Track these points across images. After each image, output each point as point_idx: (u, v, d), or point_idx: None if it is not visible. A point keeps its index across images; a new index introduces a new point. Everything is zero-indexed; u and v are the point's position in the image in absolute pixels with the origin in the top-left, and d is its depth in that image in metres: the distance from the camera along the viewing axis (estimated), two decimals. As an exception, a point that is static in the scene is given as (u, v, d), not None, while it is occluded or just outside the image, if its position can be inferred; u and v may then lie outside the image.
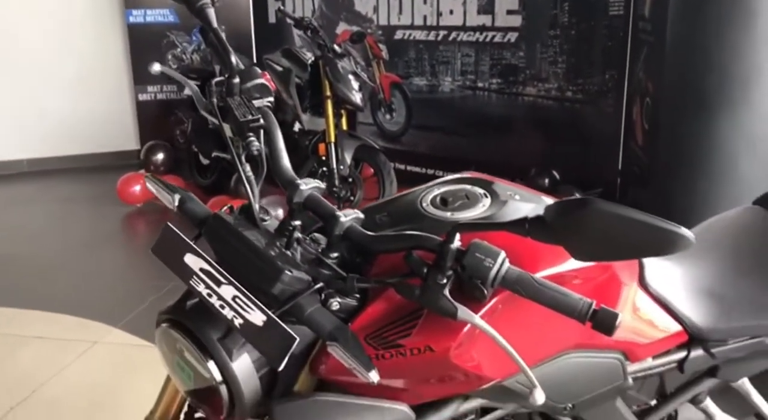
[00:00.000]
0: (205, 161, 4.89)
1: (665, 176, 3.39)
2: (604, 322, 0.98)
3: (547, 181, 4.41)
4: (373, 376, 1.01)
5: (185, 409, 1.43)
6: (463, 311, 1.02)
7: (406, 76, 5.18)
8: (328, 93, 4.08)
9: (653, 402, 1.44)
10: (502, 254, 1.02)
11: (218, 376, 1.11)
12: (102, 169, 5.83)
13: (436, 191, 1.27)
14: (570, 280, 1.18)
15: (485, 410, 1.31)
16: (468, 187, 1.28)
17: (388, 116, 5.33)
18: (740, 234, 1.49)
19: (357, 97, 4.11)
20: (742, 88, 3.08)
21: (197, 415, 1.45)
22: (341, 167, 4.02)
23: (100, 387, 2.72)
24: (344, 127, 4.23)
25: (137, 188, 4.83)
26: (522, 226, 0.97)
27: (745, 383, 1.40)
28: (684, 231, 0.87)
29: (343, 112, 4.21)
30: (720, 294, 1.34)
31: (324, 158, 4.08)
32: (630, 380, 1.30)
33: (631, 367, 1.30)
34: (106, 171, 5.61)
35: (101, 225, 4.73)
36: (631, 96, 4.14)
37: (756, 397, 1.41)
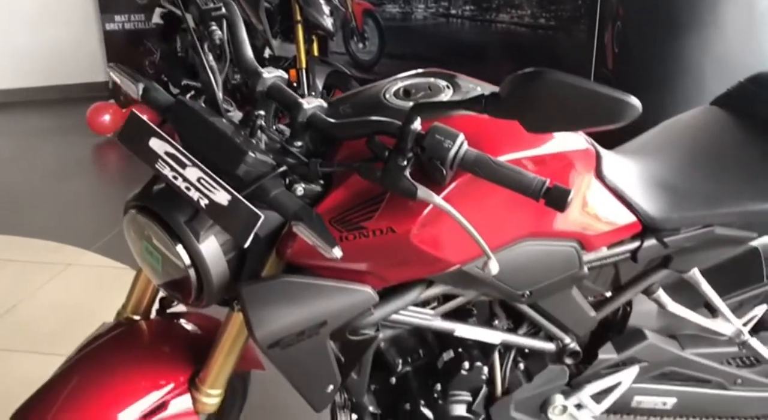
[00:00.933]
0: (175, 90, 4.82)
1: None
2: (556, 199, 1.02)
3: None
4: (337, 252, 1.04)
5: (157, 303, 1.48)
6: (422, 191, 1.06)
7: (379, 4, 5.10)
8: (299, 17, 4.02)
9: (608, 293, 1.51)
10: (461, 136, 1.06)
11: (186, 260, 1.14)
12: (71, 101, 5.72)
13: (400, 84, 1.29)
14: (527, 166, 1.22)
15: (447, 298, 1.37)
16: (431, 79, 1.30)
17: (360, 45, 5.27)
18: (697, 132, 1.53)
19: (328, 22, 4.05)
20: (711, 10, 3.10)
21: (170, 310, 1.50)
22: (312, 93, 3.99)
23: (75, 306, 2.76)
24: (315, 53, 4.19)
25: (107, 118, 4.78)
26: (478, 103, 0.99)
27: (695, 274, 1.47)
28: (633, 100, 0.91)
29: (314, 37, 4.16)
30: (674, 186, 1.39)
31: (295, 84, 4.05)
32: (585, 269, 1.35)
33: (587, 257, 1.35)
34: (75, 103, 5.51)
35: (72, 155, 4.68)
36: (603, 21, 4.13)
37: (705, 286, 1.48)
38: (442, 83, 1.29)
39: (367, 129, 1.11)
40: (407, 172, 1.07)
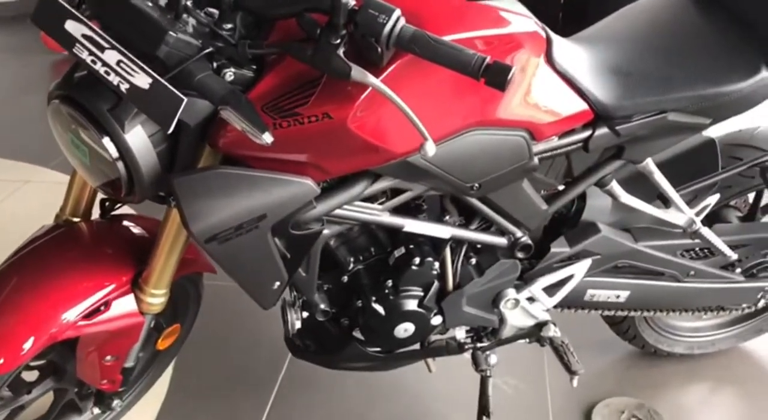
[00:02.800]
0: None
1: (600, 3, 3.34)
2: (497, 77, 0.97)
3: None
4: (267, 138, 1.00)
5: (98, 206, 1.43)
6: (357, 70, 1.00)
7: None
8: None
9: (561, 186, 1.48)
10: (397, 11, 0.99)
11: (113, 151, 1.09)
12: (24, 18, 5.47)
13: None
14: (476, 47, 1.16)
15: (396, 192, 1.34)
16: None
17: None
18: (654, 16, 1.47)
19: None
20: None
21: (114, 213, 1.46)
22: None
23: (34, 221, 2.69)
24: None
25: (62, 33, 4.57)
26: None
27: (649, 164, 1.44)
28: None
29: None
30: (627, 71, 1.34)
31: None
32: (536, 160, 1.32)
33: (537, 147, 1.32)
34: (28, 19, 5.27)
35: (28, 72, 4.50)
36: None
37: (659, 176, 1.45)
38: None
39: (298, 6, 1.04)
40: (341, 52, 1.01)
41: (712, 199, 1.50)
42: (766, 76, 1.33)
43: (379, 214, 1.33)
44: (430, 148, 1.01)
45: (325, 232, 1.30)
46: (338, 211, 1.27)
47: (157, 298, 1.31)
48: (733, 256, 1.58)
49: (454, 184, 1.29)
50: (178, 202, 1.12)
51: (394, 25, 0.99)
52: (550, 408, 1.83)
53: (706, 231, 1.52)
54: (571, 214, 1.57)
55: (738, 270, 1.71)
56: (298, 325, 1.44)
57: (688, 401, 1.86)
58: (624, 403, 1.82)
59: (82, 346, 1.39)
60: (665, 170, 1.53)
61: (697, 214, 1.50)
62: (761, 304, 1.74)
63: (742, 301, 1.72)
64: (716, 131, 1.67)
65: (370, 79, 1.01)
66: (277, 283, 1.28)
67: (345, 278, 1.45)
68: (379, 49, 1.01)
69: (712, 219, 1.72)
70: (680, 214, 1.50)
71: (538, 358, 1.97)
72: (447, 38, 1.09)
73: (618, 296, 1.62)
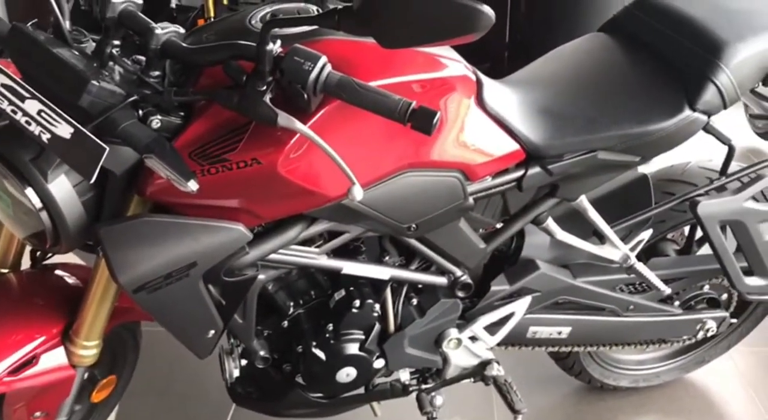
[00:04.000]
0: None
1: (545, 42, 3.42)
2: (423, 121, 0.99)
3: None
4: (192, 186, 0.99)
5: (28, 255, 1.40)
6: (283, 117, 1.00)
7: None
8: (205, -36, 3.85)
9: (499, 225, 1.49)
10: (323, 58, 1.00)
11: (37, 202, 1.07)
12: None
13: (267, 9, 1.22)
14: (405, 92, 1.17)
15: (333, 235, 1.33)
16: (302, 4, 1.24)
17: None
18: (582, 58, 1.51)
19: (236, -31, 3.89)
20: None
21: (45, 262, 1.42)
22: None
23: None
24: (224, 1, 4.02)
25: None
26: (332, 18, 0.94)
27: (583, 201, 1.47)
28: (485, 8, 0.87)
29: (222, -15, 3.99)
30: (556, 112, 1.37)
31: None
32: (471, 200, 1.33)
33: (471, 187, 1.33)
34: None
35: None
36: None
37: (592, 213, 1.48)
38: (313, 7, 1.22)
39: (224, 53, 1.05)
40: (267, 98, 1.01)
41: (646, 234, 1.53)
42: (689, 115, 1.37)
43: (316, 258, 1.32)
44: (357, 193, 1.01)
45: (261, 277, 1.28)
46: (273, 256, 1.26)
47: (88, 350, 1.27)
48: (667, 290, 1.60)
49: (391, 226, 1.29)
50: (104, 251, 1.09)
51: (320, 72, 1.00)
52: (499, 447, 1.82)
53: (640, 266, 1.54)
54: (511, 252, 1.58)
55: (676, 303, 1.73)
56: (236, 373, 1.41)
57: (635, 435, 1.87)
58: (572, 439, 1.82)
59: (8, 402, 1.33)
60: (601, 206, 1.56)
61: (632, 249, 1.53)
62: (700, 335, 1.77)
63: (681, 333, 1.75)
64: (649, 167, 1.72)
65: (297, 125, 1.01)
66: (212, 332, 1.26)
67: (285, 323, 1.43)
68: (306, 96, 1.01)
69: (650, 253, 1.76)
70: (615, 250, 1.52)
71: (488, 396, 1.96)
72: (377, 83, 1.12)
73: (560, 332, 1.63)
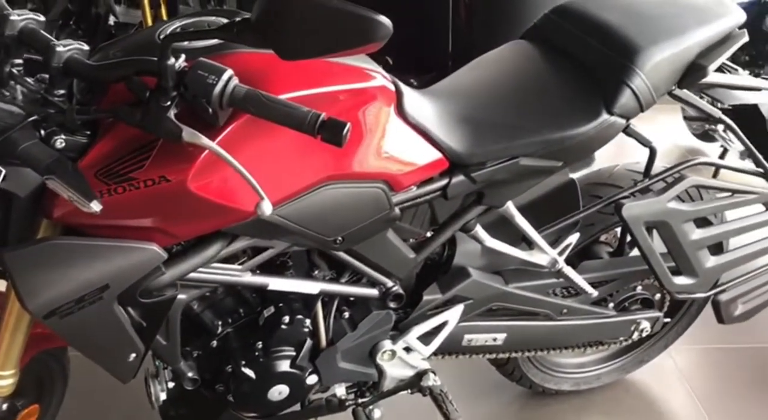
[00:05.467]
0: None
1: (488, 49, 3.46)
2: (332, 133, 0.97)
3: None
4: (95, 206, 0.96)
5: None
6: (188, 132, 0.98)
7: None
8: (141, -20, 3.79)
9: (429, 234, 1.49)
10: (228, 72, 0.99)
11: None
12: None
13: (177, 23, 1.20)
14: (318, 105, 1.16)
15: (258, 251, 1.31)
16: (212, 18, 1.22)
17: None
18: (503, 66, 1.53)
19: (174, -16, 3.85)
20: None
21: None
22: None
23: None
24: (164, 17, 3.97)
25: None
26: (231, 30, 0.92)
27: (510, 207, 1.47)
28: (382, 19, 0.87)
29: (161, 0, 3.94)
30: (477, 120, 1.37)
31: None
32: (397, 210, 1.33)
33: (396, 197, 1.32)
34: None
35: None
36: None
37: (519, 219, 1.49)
38: (223, 21, 1.21)
39: (126, 69, 1.02)
40: (171, 113, 0.99)
41: (573, 238, 1.54)
42: (607, 119, 1.39)
43: (240, 275, 1.30)
44: (267, 208, 0.99)
45: (182, 297, 1.25)
46: (194, 275, 1.23)
47: (4, 379, 1.23)
48: (594, 293, 1.62)
49: (316, 239, 1.27)
50: (11, 277, 1.05)
51: (225, 86, 0.98)
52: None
53: (568, 270, 1.55)
54: (443, 260, 1.58)
55: (610, 304, 1.75)
56: (162, 397, 1.38)
57: (577, 438, 1.88)
58: (514, 446, 1.82)
59: None
60: (530, 211, 1.57)
61: (560, 253, 1.54)
62: (635, 336, 1.79)
63: (616, 334, 1.77)
64: (577, 171, 1.74)
65: (203, 140, 0.99)
66: (133, 355, 1.22)
67: (214, 343, 1.40)
68: (211, 110, 0.99)
69: (583, 255, 1.77)
70: (543, 255, 1.53)
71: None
72: (289, 96, 1.10)
73: (495, 339, 1.63)
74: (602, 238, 1.82)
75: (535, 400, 2.00)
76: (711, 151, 3.57)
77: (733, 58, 1.61)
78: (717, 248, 1.70)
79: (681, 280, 1.61)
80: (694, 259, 1.59)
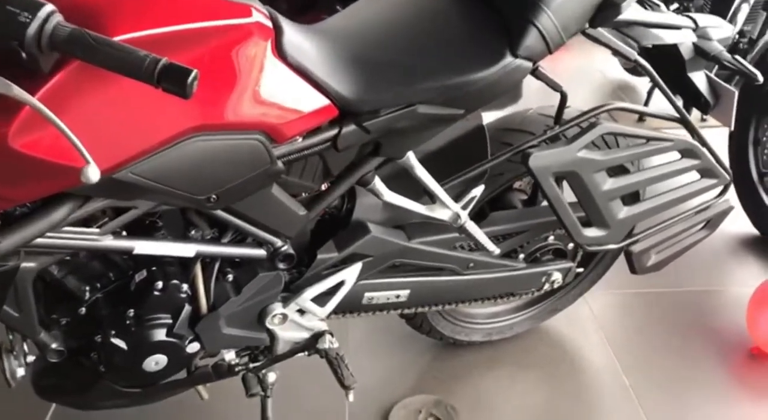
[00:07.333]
0: None
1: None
2: (176, 81, 0.83)
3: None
4: None
5: None
6: None
7: None
8: None
9: (324, 187, 1.36)
10: (47, 7, 0.82)
11: None
12: None
13: None
14: (176, 46, 1.00)
15: (120, 211, 1.16)
16: None
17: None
18: (400, 3, 1.37)
19: None
20: None
21: None
22: None
23: None
24: None
25: None
26: None
27: (409, 158, 1.35)
28: None
29: None
30: (370, 62, 1.23)
31: None
32: (280, 164, 1.19)
33: (279, 150, 1.18)
34: None
35: None
36: None
37: (420, 171, 1.36)
38: None
39: None
40: None
41: (477, 191, 1.43)
42: (511, 62, 1.26)
43: (99, 239, 1.15)
44: (92, 174, 0.84)
45: (29, 265, 1.10)
46: (41, 241, 1.08)
47: None
48: (496, 250, 1.53)
49: (184, 198, 1.13)
50: None
51: (42, 25, 0.81)
52: (347, 413, 1.74)
53: (471, 226, 1.45)
54: (343, 215, 1.46)
55: (521, 255, 1.67)
56: (20, 372, 1.24)
57: (487, 390, 1.83)
58: (421, 401, 1.76)
59: None
60: (435, 161, 1.45)
61: (464, 207, 1.43)
62: (547, 287, 1.72)
63: (526, 287, 1.70)
64: (488, 116, 1.62)
65: (14, 90, 0.83)
66: None
67: (83, 310, 1.26)
68: (25, 55, 0.83)
69: (496, 204, 1.68)
70: (445, 210, 1.42)
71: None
72: (132, 36, 0.94)
73: (398, 296, 1.54)
74: (516, 184, 1.73)
75: (448, 351, 1.94)
76: (642, 85, 3.51)
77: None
78: (634, 197, 1.63)
79: (591, 232, 1.53)
80: (606, 210, 1.50)
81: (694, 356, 1.95)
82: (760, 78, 1.52)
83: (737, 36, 2.77)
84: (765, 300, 1.92)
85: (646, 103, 3.12)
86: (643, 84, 3.51)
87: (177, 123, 1.04)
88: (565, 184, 1.49)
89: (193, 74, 0.83)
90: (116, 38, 0.91)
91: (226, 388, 1.53)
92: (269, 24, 1.12)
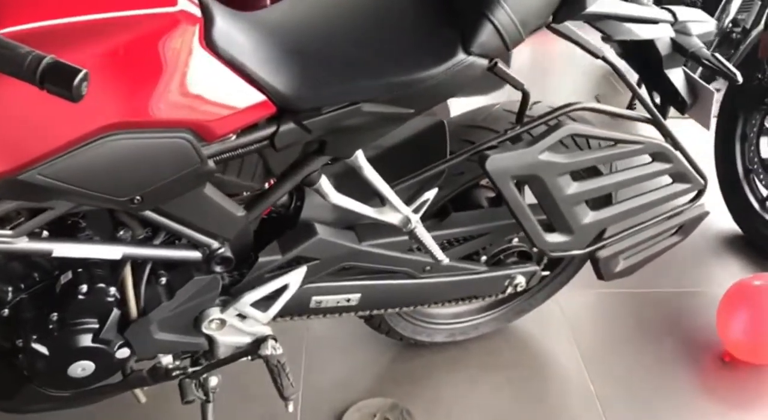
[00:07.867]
0: None
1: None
2: (61, 83, 0.74)
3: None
4: None
5: None
6: None
7: None
8: None
9: (267, 186, 1.28)
10: None
11: None
12: None
13: None
14: (83, 39, 0.91)
15: (36, 212, 1.08)
16: None
17: None
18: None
19: None
20: None
21: None
22: None
23: None
24: None
25: None
26: None
27: (357, 158, 1.26)
28: None
29: None
30: (309, 55, 1.14)
31: None
32: (211, 163, 1.11)
33: (210, 148, 1.10)
34: None
35: None
36: None
37: (368, 171, 1.27)
38: None
39: None
40: None
41: (430, 194, 1.34)
42: (463, 60, 1.16)
43: (12, 242, 1.07)
44: None
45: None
46: (-56, 244, 1.00)
47: None
48: (445, 260, 1.44)
49: (104, 200, 1.05)
50: None
51: None
52: (299, 415, 1.67)
53: (421, 232, 1.36)
54: (291, 214, 1.38)
55: (483, 257, 1.60)
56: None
57: (447, 394, 1.76)
58: (376, 405, 1.69)
59: None
60: (391, 159, 1.37)
61: (416, 210, 1.34)
62: (509, 291, 1.64)
63: (488, 291, 1.62)
64: (453, 111, 1.53)
65: None
66: None
67: (6, 311, 1.19)
68: None
69: (461, 203, 1.59)
70: (395, 213, 1.34)
71: (297, 362, 1.80)
72: (28, 27, 0.85)
73: (348, 300, 1.46)
74: (484, 181, 1.64)
75: (410, 351, 1.87)
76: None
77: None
78: (606, 201, 1.54)
79: (554, 238, 1.45)
80: (569, 215, 1.42)
81: (664, 362, 1.88)
82: (740, 78, 1.42)
83: (730, 25, 2.67)
84: (735, 303, 1.85)
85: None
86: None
87: (89, 121, 0.96)
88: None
89: (81, 75, 0.74)
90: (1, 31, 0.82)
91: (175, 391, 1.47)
92: (197, 12, 1.03)
